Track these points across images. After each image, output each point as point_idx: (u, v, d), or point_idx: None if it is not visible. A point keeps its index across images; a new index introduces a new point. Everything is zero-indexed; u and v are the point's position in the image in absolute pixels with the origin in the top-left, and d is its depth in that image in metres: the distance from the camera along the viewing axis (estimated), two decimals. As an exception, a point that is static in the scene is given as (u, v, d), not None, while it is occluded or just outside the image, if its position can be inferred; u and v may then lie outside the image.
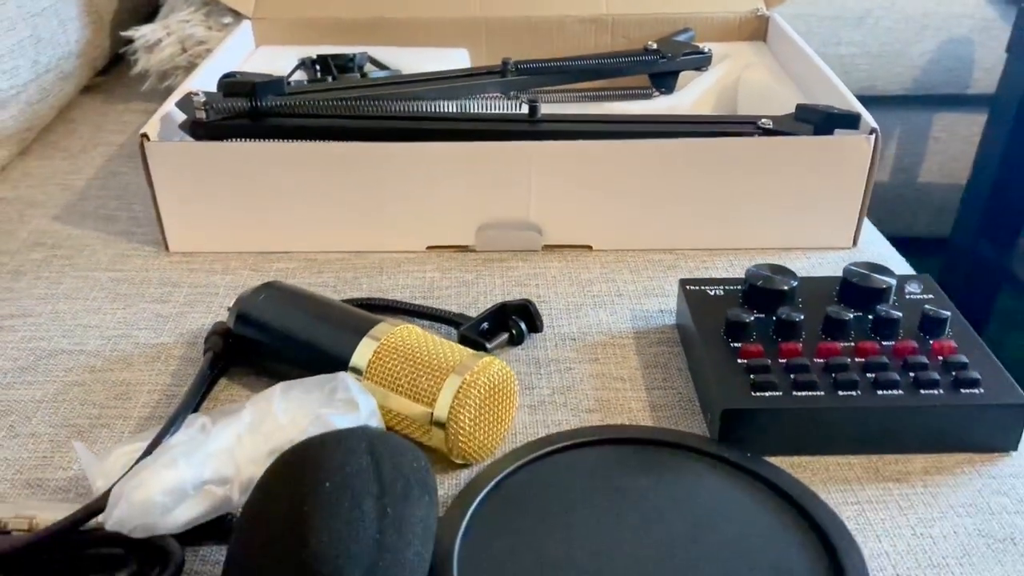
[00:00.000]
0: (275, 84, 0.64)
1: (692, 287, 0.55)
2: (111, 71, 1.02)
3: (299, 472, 0.35)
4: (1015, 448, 0.47)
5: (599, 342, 0.57)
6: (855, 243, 0.66)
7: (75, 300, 0.61)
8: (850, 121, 0.62)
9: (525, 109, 0.65)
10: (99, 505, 0.40)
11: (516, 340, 0.56)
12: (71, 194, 0.75)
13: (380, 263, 0.65)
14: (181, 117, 0.65)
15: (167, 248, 0.66)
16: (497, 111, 0.66)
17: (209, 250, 0.66)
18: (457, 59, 0.85)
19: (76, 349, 0.56)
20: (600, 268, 0.64)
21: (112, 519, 0.38)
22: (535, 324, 0.57)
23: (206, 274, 0.64)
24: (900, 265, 0.64)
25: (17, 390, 0.53)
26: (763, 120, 0.64)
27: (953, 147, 1.49)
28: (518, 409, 0.50)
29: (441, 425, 0.45)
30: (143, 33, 0.89)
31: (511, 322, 0.56)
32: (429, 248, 0.66)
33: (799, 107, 0.64)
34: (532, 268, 0.64)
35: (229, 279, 0.63)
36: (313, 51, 0.83)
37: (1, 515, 0.41)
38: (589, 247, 0.66)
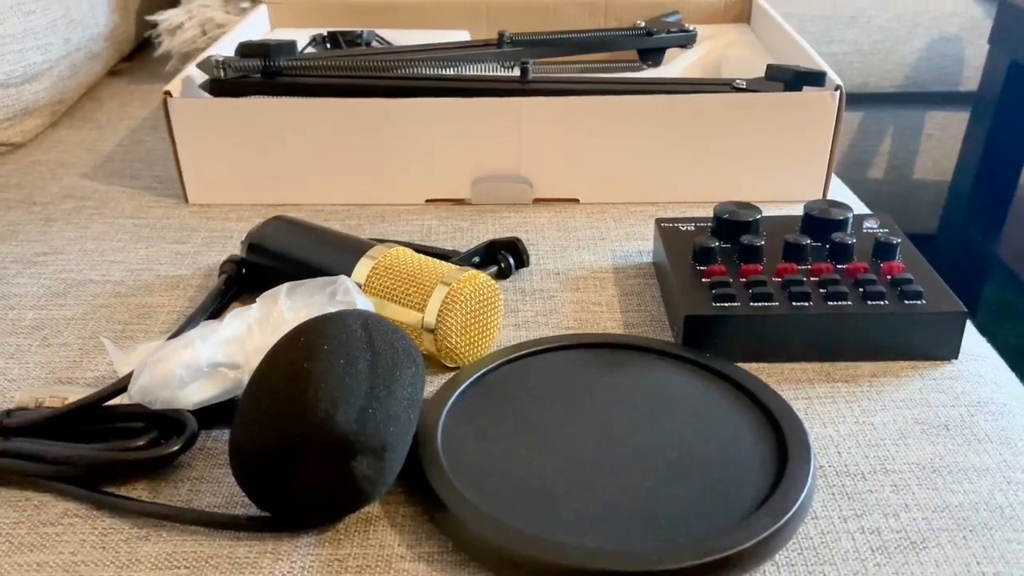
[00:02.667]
0: (288, 47, 0.70)
1: (666, 224, 0.60)
2: (135, 58, 1.08)
3: (300, 339, 0.40)
4: (955, 357, 0.52)
5: (581, 276, 0.61)
6: (824, 196, 0.70)
7: (101, 241, 0.66)
8: (817, 79, 0.67)
9: (518, 72, 0.70)
10: (123, 384, 0.45)
11: (504, 273, 0.61)
12: (98, 157, 0.81)
13: (382, 213, 0.70)
14: (202, 80, 0.71)
15: (187, 200, 0.72)
16: (492, 75, 0.72)
17: (225, 202, 0.72)
18: (458, 39, 0.91)
19: (102, 279, 0.61)
20: (586, 218, 0.69)
21: (135, 388, 0.43)
22: (523, 259, 0.62)
23: (222, 221, 0.69)
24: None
25: (49, 311, 0.58)
26: (737, 81, 0.69)
27: (946, 144, 1.53)
28: (503, 328, 0.55)
29: (431, 330, 0.50)
30: (166, 17, 0.95)
31: (500, 256, 0.61)
32: (428, 201, 0.72)
33: (769, 67, 0.69)
34: (523, 218, 0.69)
35: (243, 225, 0.68)
36: (324, 31, 0.89)
37: (38, 394, 0.47)
38: (576, 200, 0.71)
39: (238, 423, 0.39)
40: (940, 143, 1.53)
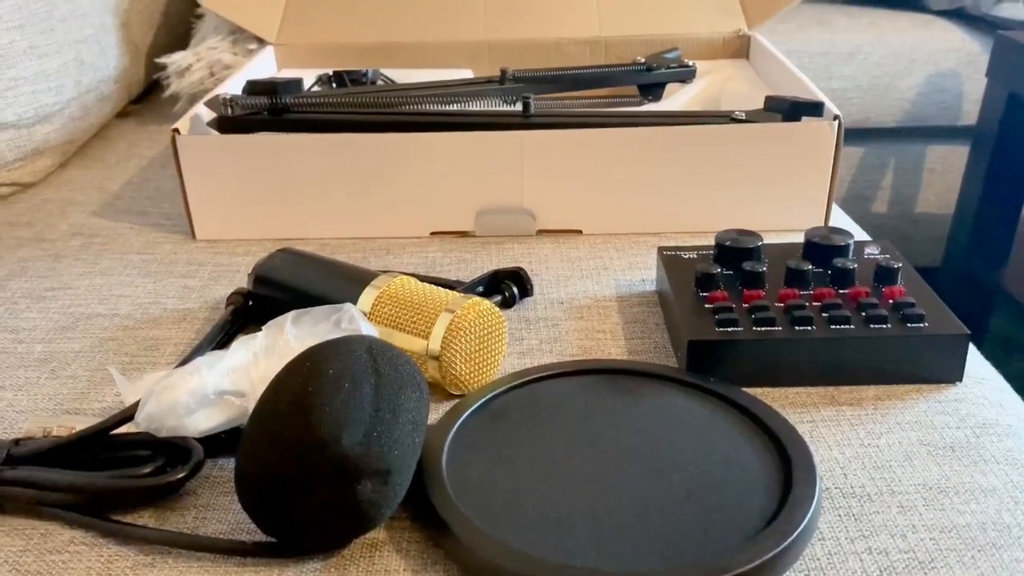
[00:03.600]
0: (295, 84, 0.71)
1: (668, 252, 0.61)
2: (144, 100, 1.10)
3: (305, 364, 0.40)
4: (960, 379, 0.52)
5: (585, 305, 0.62)
6: (826, 224, 0.71)
7: (110, 276, 0.67)
8: (815, 109, 0.68)
9: (520, 107, 0.71)
10: (130, 412, 0.45)
11: (508, 303, 0.61)
12: (107, 195, 0.82)
13: (387, 246, 0.71)
14: (209, 118, 0.72)
15: (194, 236, 0.73)
16: (494, 109, 0.73)
17: (232, 237, 0.72)
18: (462, 78, 0.92)
19: (110, 313, 0.62)
20: (589, 248, 0.70)
21: (142, 415, 0.43)
22: (526, 289, 0.62)
23: (229, 256, 0.70)
24: (868, 243, 0.69)
25: (58, 344, 0.58)
26: (737, 113, 0.70)
27: (948, 178, 1.54)
28: (508, 356, 0.56)
29: (435, 358, 0.50)
30: (175, 59, 0.97)
31: (503, 285, 0.62)
32: (432, 234, 0.72)
33: (768, 98, 0.70)
34: (527, 249, 0.70)
35: (250, 259, 0.69)
36: (330, 71, 0.90)
37: (45, 424, 0.47)
38: (579, 231, 0.72)
39: (243, 447, 0.39)
40: (942, 177, 1.54)
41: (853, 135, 1.48)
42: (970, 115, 1.46)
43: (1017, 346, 1.50)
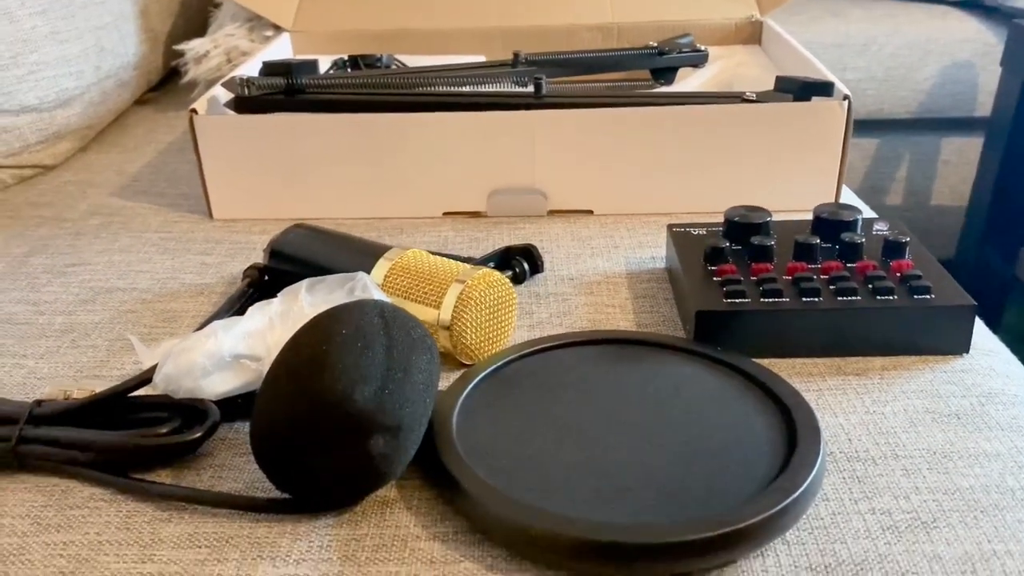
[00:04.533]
0: (309, 65, 0.72)
1: (678, 228, 0.61)
2: (163, 87, 1.12)
3: (319, 326, 0.41)
4: (967, 351, 0.52)
5: (595, 281, 0.63)
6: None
7: (128, 253, 0.68)
8: (825, 89, 0.68)
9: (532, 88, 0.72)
10: (148, 375, 0.46)
11: (519, 278, 0.62)
12: (126, 178, 0.83)
13: (400, 226, 0.72)
14: (226, 99, 0.74)
15: (211, 216, 0.74)
16: (507, 90, 0.74)
17: (248, 217, 0.74)
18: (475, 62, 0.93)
19: (129, 287, 0.63)
20: (599, 228, 0.70)
21: (159, 376, 0.45)
22: (537, 266, 0.63)
23: (245, 234, 0.71)
24: (878, 223, 0.70)
25: (78, 316, 0.60)
26: (747, 93, 0.71)
27: (963, 170, 1.53)
28: (518, 329, 0.56)
29: (447, 328, 0.51)
30: (192, 46, 0.99)
31: (515, 262, 0.62)
32: (445, 214, 0.73)
33: (778, 79, 0.71)
34: (538, 229, 0.71)
35: (265, 238, 0.70)
36: (345, 56, 0.91)
37: (66, 387, 0.48)
38: (591, 211, 0.73)
39: (258, 403, 0.40)
40: (957, 169, 1.54)
41: (868, 126, 1.48)
42: (985, 107, 1.45)
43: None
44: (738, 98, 0.71)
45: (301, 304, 0.49)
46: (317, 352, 0.40)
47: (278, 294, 0.49)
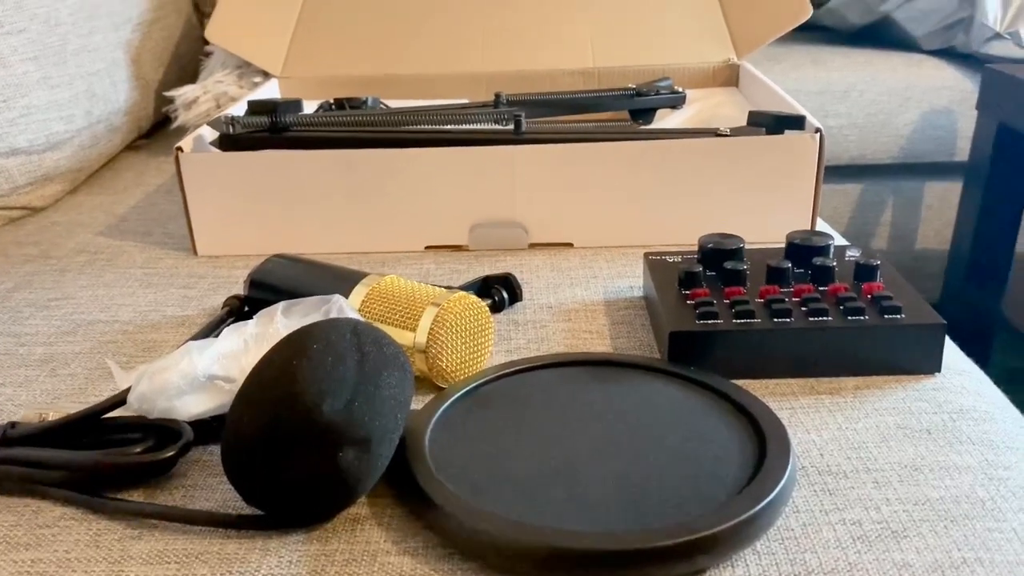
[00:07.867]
0: (294, 104, 0.74)
1: (654, 257, 0.62)
2: (154, 134, 1.13)
3: (292, 341, 0.42)
4: (938, 370, 0.53)
5: (573, 308, 0.63)
6: (812, 236, 0.72)
7: (112, 287, 0.69)
8: (797, 123, 0.70)
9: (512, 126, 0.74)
10: (122, 397, 0.46)
11: (498, 307, 0.63)
12: (113, 218, 0.84)
13: (383, 260, 0.73)
14: (212, 138, 0.75)
15: (195, 252, 0.75)
16: (487, 127, 0.75)
17: (232, 253, 0.74)
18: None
19: (111, 319, 0.64)
20: (579, 259, 0.71)
21: (134, 395, 0.45)
22: (516, 294, 0.64)
23: (229, 269, 0.72)
24: (853, 253, 0.71)
25: (59, 347, 0.60)
26: (721, 129, 0.72)
27: (946, 214, 1.55)
28: (496, 354, 0.57)
29: (423, 351, 0.52)
30: (182, 92, 1.01)
31: (493, 290, 0.63)
32: (427, 248, 0.74)
33: (751, 113, 0.72)
34: (519, 261, 0.71)
35: (248, 272, 0.71)
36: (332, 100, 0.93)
37: (42, 411, 0.48)
38: (570, 244, 0.74)
39: (229, 415, 0.41)
40: (940, 213, 1.56)
41: (851, 172, 1.50)
42: (964, 151, 1.48)
43: (1019, 380, 1.50)
44: (712, 133, 0.72)
45: (276, 326, 0.49)
46: (288, 366, 0.40)
47: (254, 316, 0.50)
